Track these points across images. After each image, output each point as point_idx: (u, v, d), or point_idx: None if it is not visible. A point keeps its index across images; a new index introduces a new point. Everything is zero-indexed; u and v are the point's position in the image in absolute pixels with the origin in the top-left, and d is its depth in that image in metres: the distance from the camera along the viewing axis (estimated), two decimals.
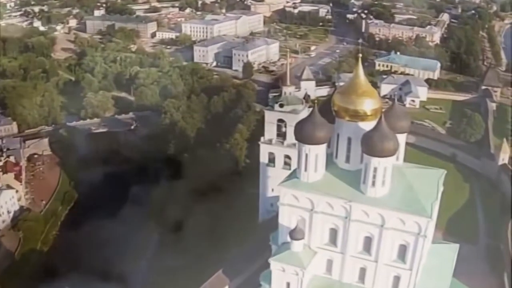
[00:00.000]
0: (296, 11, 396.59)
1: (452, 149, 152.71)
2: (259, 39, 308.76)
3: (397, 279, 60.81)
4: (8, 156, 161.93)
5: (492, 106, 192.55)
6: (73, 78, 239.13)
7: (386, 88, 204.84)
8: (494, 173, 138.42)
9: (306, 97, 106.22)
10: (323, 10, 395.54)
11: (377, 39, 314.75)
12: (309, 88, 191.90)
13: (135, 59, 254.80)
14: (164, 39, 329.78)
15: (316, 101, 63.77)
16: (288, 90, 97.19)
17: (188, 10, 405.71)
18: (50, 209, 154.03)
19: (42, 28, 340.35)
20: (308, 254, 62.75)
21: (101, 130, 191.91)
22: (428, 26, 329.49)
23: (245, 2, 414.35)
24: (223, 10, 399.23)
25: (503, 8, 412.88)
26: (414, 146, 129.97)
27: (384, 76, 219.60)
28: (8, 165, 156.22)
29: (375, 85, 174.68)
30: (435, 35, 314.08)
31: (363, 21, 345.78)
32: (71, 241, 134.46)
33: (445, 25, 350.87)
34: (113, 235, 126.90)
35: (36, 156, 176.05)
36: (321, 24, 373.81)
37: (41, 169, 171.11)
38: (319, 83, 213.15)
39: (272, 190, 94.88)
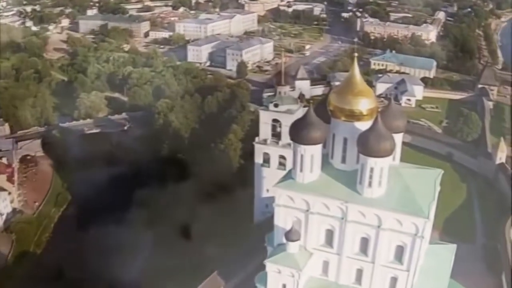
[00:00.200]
0: (290, 10, 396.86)
1: (448, 148, 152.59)
2: (253, 38, 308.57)
3: (394, 280, 60.26)
4: (0, 158, 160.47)
5: (489, 104, 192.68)
6: (65, 79, 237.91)
7: (381, 87, 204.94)
8: (492, 173, 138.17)
9: (301, 97, 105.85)
10: (318, 9, 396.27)
11: (372, 37, 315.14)
12: (304, 87, 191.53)
13: (128, 59, 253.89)
14: (157, 39, 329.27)
15: (311, 100, 63.28)
16: (282, 89, 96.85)
17: (181, 9, 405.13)
18: (43, 211, 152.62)
19: (34, 28, 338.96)
20: (304, 255, 62.19)
21: (94, 131, 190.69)
22: (424, 24, 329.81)
23: (239, 1, 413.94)
24: (217, 9, 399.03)
25: (499, 6, 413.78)
26: (410, 145, 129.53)
27: (380, 75, 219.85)
28: (0, 166, 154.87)
29: (371, 84, 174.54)
30: (431, 34, 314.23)
31: (358, 20, 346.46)
32: (65, 243, 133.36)
33: (441, 23, 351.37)
34: (107, 237, 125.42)
35: (28, 157, 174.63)
36: (315, 23, 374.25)
37: (33, 170, 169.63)
38: (314, 83, 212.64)
39: (267, 190, 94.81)
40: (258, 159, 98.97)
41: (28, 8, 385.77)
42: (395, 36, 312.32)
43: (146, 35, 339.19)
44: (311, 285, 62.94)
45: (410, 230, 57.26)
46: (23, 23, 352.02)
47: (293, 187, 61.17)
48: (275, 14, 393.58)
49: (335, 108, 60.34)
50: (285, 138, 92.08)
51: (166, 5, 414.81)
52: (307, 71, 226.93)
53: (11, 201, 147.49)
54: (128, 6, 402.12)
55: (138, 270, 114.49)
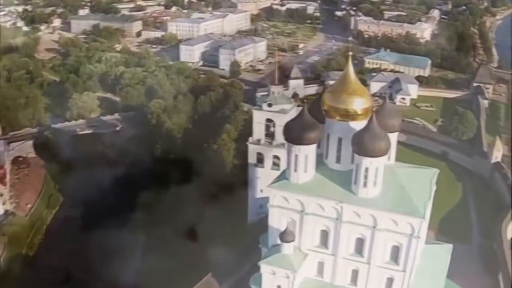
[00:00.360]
0: (283, 8, 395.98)
1: (443, 147, 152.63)
2: (246, 38, 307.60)
3: (390, 281, 60.16)
4: None
5: (484, 103, 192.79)
6: (57, 79, 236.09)
7: (375, 86, 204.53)
8: (487, 171, 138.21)
9: (295, 96, 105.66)
10: (311, 7, 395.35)
11: (366, 36, 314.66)
12: (298, 86, 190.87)
13: (121, 59, 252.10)
14: (149, 38, 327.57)
15: (305, 100, 62.92)
16: (276, 89, 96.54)
17: (173, 9, 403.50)
18: (35, 213, 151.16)
19: (25, 28, 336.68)
20: (298, 256, 61.96)
21: (86, 131, 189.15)
22: (418, 23, 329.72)
23: (232, 0, 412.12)
24: (210, 8, 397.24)
25: (494, 4, 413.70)
26: (405, 144, 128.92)
27: (374, 74, 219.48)
28: None
29: (365, 83, 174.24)
30: (425, 32, 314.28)
31: (352, 18, 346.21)
32: (57, 245, 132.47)
33: (436, 22, 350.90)
34: (100, 238, 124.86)
35: (20, 159, 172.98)
36: (309, 21, 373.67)
37: (26, 172, 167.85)
38: (307, 82, 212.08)
39: (261, 191, 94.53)
40: (252, 159, 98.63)
41: (20, 8, 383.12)
42: (389, 35, 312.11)
43: (138, 34, 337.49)
44: (306, 286, 62.70)
45: (406, 230, 57.15)
46: (14, 23, 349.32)
47: (287, 188, 60.94)
48: (268, 13, 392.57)
49: (329, 107, 60.14)
50: (279, 138, 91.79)
51: (159, 4, 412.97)
52: (301, 70, 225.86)
53: (3, 203, 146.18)
54: (120, 6, 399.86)
55: (131, 272, 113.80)
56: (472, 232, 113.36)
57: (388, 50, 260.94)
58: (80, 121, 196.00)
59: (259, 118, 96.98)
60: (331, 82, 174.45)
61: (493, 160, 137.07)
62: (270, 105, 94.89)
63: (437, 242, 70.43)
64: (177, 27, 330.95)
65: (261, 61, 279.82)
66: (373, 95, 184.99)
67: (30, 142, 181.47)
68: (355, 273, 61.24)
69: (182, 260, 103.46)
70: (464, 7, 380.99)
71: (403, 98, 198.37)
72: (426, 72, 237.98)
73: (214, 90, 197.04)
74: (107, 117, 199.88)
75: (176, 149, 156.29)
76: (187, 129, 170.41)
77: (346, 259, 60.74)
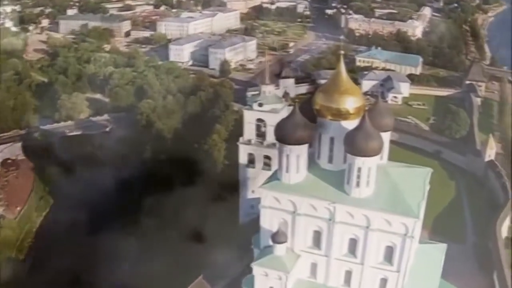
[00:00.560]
0: (273, 7, 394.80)
1: (436, 146, 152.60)
2: (236, 37, 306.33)
3: (384, 281, 59.76)
4: None
5: (477, 101, 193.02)
6: (46, 80, 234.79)
7: (367, 85, 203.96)
8: (481, 170, 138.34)
9: (286, 96, 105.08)
10: (301, 6, 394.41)
11: (357, 34, 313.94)
12: (289, 86, 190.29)
13: (109, 59, 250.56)
14: (138, 38, 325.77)
15: (296, 100, 62.36)
16: (267, 88, 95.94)
17: (163, 8, 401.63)
18: (25, 216, 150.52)
19: (14, 29, 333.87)
20: (291, 257, 61.47)
21: (75, 133, 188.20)
22: (410, 20, 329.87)
23: None
24: (199, 7, 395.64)
25: (486, 1, 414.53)
26: (397, 143, 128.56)
27: (365, 72, 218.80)
28: None
29: (356, 82, 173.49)
30: (416, 30, 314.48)
31: (343, 16, 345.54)
32: (47, 248, 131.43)
33: (427, 19, 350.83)
34: (90, 240, 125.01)
35: (9, 161, 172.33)
36: (299, 20, 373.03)
37: (15, 174, 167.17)
38: (298, 81, 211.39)
39: (253, 191, 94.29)
40: (243, 159, 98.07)
41: (8, 9, 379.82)
42: (380, 33, 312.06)
43: (127, 34, 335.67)
44: None
45: (400, 230, 56.80)
46: (3, 23, 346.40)
47: (279, 188, 60.47)
48: (258, 12, 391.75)
49: (321, 107, 59.63)
50: (270, 138, 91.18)
51: (147, 4, 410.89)
52: (291, 69, 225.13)
53: None
54: (108, 5, 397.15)
55: (121, 274, 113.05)
56: (466, 231, 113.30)
57: (379, 48, 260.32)
58: (69, 122, 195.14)
59: (249, 118, 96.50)
60: (322, 81, 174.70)
61: (487, 159, 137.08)
62: (261, 104, 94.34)
63: (431, 241, 70.19)
64: (166, 27, 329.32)
65: (251, 60, 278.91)
66: (365, 93, 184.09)
67: (19, 144, 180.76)
68: (348, 274, 60.76)
69: (173, 262, 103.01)
70: (455, 5, 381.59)
71: (395, 97, 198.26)
72: (418, 70, 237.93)
73: (204, 90, 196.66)
74: (97, 118, 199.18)
75: (166, 150, 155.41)
76: (177, 129, 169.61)
77: (339, 260, 60.26)
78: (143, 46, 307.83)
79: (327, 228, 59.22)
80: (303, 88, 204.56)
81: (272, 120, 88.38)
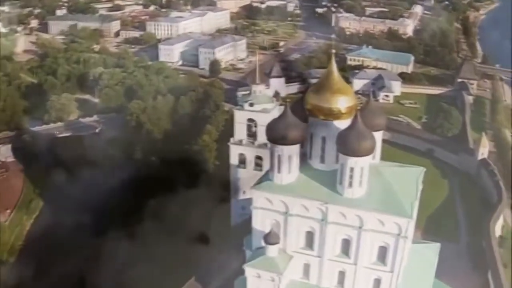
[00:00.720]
0: (263, 6, 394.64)
1: (428, 144, 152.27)
2: (226, 36, 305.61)
3: (377, 282, 59.42)
4: None
5: (469, 99, 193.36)
6: (35, 81, 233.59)
7: (358, 84, 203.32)
8: (474, 169, 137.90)
9: (276, 95, 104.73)
10: (291, 5, 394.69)
11: (347, 33, 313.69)
12: (279, 85, 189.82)
13: (99, 59, 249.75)
14: (128, 38, 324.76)
15: (287, 99, 61.91)
16: (257, 88, 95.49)
17: (152, 8, 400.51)
18: (15, 219, 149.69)
19: (3, 30, 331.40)
20: (284, 258, 60.99)
21: (65, 134, 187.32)
22: (401, 19, 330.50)
23: None
24: (188, 7, 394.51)
25: None
26: (389, 142, 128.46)
27: (356, 71, 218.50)
28: None
29: (347, 81, 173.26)
30: (407, 28, 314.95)
31: (333, 15, 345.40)
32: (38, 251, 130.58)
33: (418, 17, 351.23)
34: (81, 243, 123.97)
35: None
36: (289, 19, 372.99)
37: (4, 176, 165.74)
38: (289, 80, 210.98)
39: (244, 192, 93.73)
40: (234, 160, 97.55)
41: None
42: (371, 31, 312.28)
43: (117, 34, 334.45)
44: None
45: (393, 231, 56.50)
46: None
47: (271, 189, 59.98)
48: (248, 11, 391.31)
49: (312, 106, 59.19)
50: (261, 138, 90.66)
51: (137, 4, 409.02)
52: (282, 68, 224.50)
53: None
54: (98, 6, 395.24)
55: (115, 277, 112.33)
56: (460, 230, 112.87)
57: (370, 47, 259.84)
58: (59, 123, 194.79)
59: (240, 118, 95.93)
60: (313, 80, 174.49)
61: (480, 157, 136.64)
62: (251, 104, 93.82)
63: (425, 241, 69.98)
64: (155, 27, 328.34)
65: (241, 59, 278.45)
66: (356, 92, 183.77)
67: (9, 146, 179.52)
68: (341, 275, 60.39)
69: (163, 263, 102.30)
70: (447, 2, 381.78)
71: (386, 96, 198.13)
72: (409, 69, 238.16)
73: (194, 90, 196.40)
74: (86, 119, 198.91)
75: (156, 151, 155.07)
76: (168, 130, 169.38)
77: (332, 260, 59.87)
78: (133, 46, 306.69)
79: (319, 229, 58.79)
80: (294, 88, 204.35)
81: (263, 120, 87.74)
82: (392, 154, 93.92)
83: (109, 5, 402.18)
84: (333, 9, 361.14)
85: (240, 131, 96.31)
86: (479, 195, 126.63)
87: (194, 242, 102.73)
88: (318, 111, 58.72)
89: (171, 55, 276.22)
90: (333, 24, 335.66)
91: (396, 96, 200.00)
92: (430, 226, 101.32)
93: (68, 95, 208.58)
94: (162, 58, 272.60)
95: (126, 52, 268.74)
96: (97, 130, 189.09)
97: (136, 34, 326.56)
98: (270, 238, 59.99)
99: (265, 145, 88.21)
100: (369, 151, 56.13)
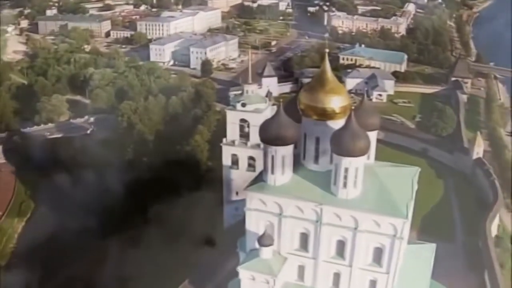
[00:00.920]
0: (255, 5, 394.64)
1: (423, 144, 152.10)
2: (217, 36, 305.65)
3: (373, 283, 58.81)
4: None
5: (463, 98, 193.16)
6: (26, 82, 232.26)
7: (351, 83, 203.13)
8: (469, 168, 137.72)
9: (269, 95, 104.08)
10: (283, 3, 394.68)
11: (340, 32, 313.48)
12: (271, 85, 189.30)
13: (90, 60, 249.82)
14: (119, 38, 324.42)
15: (281, 99, 61.18)
16: (250, 88, 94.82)
17: (143, 7, 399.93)
18: (6, 221, 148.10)
19: None
20: (278, 260, 60.33)
21: (56, 135, 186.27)
22: (393, 17, 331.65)
23: None
24: (179, 6, 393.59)
25: None
26: (383, 142, 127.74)
27: (349, 70, 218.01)
28: None
29: (340, 80, 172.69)
30: (400, 26, 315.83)
31: (325, 14, 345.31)
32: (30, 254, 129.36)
33: (411, 16, 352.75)
34: (73, 245, 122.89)
35: None
36: (281, 18, 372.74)
37: None
38: (281, 79, 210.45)
39: (237, 193, 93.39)
40: (226, 161, 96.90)
41: None
42: (364, 30, 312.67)
43: (107, 34, 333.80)
44: None
45: (389, 231, 55.89)
46: None
47: (264, 190, 59.27)
48: (240, 10, 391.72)
49: (306, 106, 58.47)
50: (254, 138, 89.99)
51: (127, 3, 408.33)
52: (274, 67, 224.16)
53: None
54: (88, 5, 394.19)
55: (107, 279, 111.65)
56: (455, 230, 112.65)
57: (363, 45, 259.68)
58: (50, 125, 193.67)
59: (233, 118, 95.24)
60: (305, 80, 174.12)
61: (475, 156, 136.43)
62: (244, 104, 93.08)
63: (420, 242, 69.42)
64: (146, 26, 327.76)
65: (233, 59, 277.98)
66: (349, 92, 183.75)
67: (0, 147, 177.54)
68: (336, 276, 59.80)
69: (156, 266, 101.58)
70: (440, 0, 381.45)
71: (380, 95, 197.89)
72: (403, 67, 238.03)
73: (186, 90, 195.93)
74: (77, 120, 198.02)
75: (148, 152, 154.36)
76: (159, 131, 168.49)
77: (327, 262, 59.25)
78: (124, 46, 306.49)
79: (314, 230, 58.20)
80: (287, 87, 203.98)
81: (255, 120, 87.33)
82: (386, 154, 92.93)
83: (100, 5, 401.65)
84: (325, 8, 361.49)
85: (232, 131, 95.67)
86: (474, 195, 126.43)
87: (186, 243, 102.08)
88: (312, 111, 58.04)
89: (162, 55, 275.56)
90: (325, 23, 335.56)
91: (389, 95, 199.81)
92: (425, 226, 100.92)
93: (59, 96, 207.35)
94: (153, 58, 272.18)
95: (117, 52, 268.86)
96: (88, 131, 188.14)
97: (127, 34, 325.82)
98: (264, 240, 59.29)
99: (258, 145, 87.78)
100: (364, 151, 55.49)
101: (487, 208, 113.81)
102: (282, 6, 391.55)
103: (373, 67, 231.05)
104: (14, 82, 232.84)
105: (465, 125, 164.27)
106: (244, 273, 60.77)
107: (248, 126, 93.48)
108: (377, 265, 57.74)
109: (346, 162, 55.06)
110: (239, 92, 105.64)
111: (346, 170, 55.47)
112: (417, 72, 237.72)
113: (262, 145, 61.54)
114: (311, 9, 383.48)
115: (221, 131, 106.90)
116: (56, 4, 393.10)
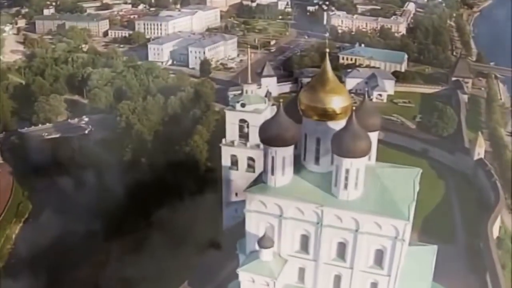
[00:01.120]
0: (254, 4, 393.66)
1: (423, 144, 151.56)
2: (216, 35, 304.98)
3: (374, 285, 58.29)
4: None
5: (464, 98, 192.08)
6: (23, 82, 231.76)
7: (351, 83, 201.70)
8: (470, 169, 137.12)
9: (268, 95, 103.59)
10: (282, 3, 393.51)
11: (339, 31, 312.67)
12: (271, 85, 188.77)
13: (88, 59, 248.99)
14: (117, 38, 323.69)
15: (281, 99, 60.58)
16: (249, 88, 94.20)
17: (141, 7, 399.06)
18: (4, 222, 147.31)
19: None
20: (278, 263, 59.82)
21: (54, 135, 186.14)
22: (393, 17, 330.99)
23: None
24: (178, 6, 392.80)
25: None
26: (383, 142, 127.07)
27: (349, 70, 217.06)
28: None
29: (340, 80, 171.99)
30: (400, 26, 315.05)
31: (325, 13, 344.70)
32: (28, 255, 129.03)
33: (411, 15, 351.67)
34: (70, 246, 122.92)
35: None
36: (280, 17, 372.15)
37: None
38: (280, 79, 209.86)
39: (236, 194, 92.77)
40: (226, 161, 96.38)
41: None
42: (363, 29, 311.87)
43: (105, 34, 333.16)
44: None
45: (390, 233, 55.36)
46: None
47: (264, 192, 58.71)
48: (239, 9, 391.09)
49: (306, 107, 57.84)
50: (254, 139, 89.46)
51: (125, 3, 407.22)
52: (273, 67, 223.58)
53: None
54: (86, 5, 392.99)
55: (105, 280, 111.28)
56: (457, 231, 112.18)
57: (362, 45, 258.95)
58: (48, 125, 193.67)
59: (232, 119, 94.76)
60: (305, 79, 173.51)
61: (476, 157, 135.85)
62: (243, 105, 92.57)
63: (421, 243, 68.98)
64: (144, 26, 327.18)
65: (232, 59, 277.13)
66: (349, 92, 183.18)
67: None
68: (337, 279, 59.30)
69: (155, 268, 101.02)
70: (440, 0, 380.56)
71: (380, 95, 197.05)
72: (403, 67, 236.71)
73: (184, 90, 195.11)
74: (75, 120, 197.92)
75: (147, 152, 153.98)
76: (158, 131, 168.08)
77: (328, 264, 58.74)
78: (122, 46, 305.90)
79: (315, 232, 57.69)
80: (286, 87, 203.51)
81: (255, 121, 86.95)
82: (386, 154, 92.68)
83: (97, 4, 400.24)
84: (325, 7, 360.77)
85: (231, 132, 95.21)
86: (476, 196, 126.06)
87: (186, 245, 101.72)
88: (312, 112, 57.49)
89: (161, 54, 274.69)
90: (324, 22, 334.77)
91: (389, 95, 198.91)
92: (426, 228, 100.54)
93: (56, 96, 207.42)
94: (151, 57, 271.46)
95: (115, 52, 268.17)
96: (86, 132, 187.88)
97: (125, 33, 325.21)
98: (264, 241, 58.81)
99: (257, 146, 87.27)
100: (365, 152, 54.95)
101: (488, 209, 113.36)
102: (281, 5, 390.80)
103: (373, 67, 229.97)
104: (12, 82, 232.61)
105: (466, 125, 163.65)
106: (244, 275, 60.28)
107: (248, 127, 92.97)
108: (379, 267, 57.23)
109: (347, 163, 54.50)
110: (238, 92, 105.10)
111: (347, 171, 54.94)
112: (418, 72, 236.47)
113: (261, 146, 60.80)
114: (310, 8, 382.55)
115: (220, 131, 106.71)
116: (54, 4, 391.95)
